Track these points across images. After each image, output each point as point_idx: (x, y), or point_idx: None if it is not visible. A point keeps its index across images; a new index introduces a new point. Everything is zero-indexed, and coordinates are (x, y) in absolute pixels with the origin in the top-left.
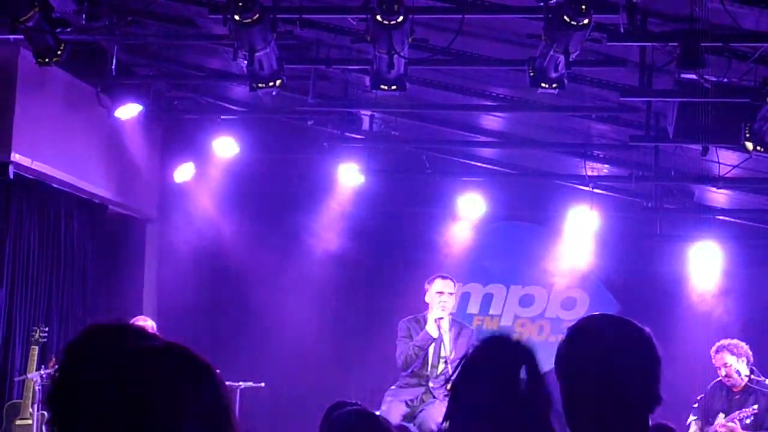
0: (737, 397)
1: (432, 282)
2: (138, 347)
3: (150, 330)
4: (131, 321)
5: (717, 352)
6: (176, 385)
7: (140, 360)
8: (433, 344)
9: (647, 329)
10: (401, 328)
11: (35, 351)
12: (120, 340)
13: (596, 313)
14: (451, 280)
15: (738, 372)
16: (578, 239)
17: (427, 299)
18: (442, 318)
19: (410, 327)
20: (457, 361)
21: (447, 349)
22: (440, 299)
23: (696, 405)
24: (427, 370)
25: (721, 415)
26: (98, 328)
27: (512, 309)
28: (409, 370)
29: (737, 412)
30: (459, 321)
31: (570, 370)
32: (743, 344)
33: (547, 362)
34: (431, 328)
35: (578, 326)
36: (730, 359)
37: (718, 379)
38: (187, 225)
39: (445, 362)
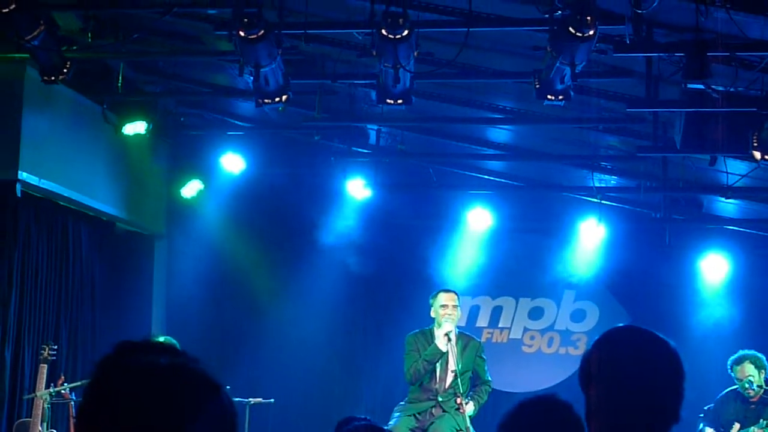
0: (752, 407)
1: (435, 296)
2: (171, 366)
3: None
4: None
5: (738, 363)
6: (184, 402)
7: (173, 379)
8: (442, 358)
9: (673, 343)
10: (408, 342)
11: (44, 369)
12: (151, 356)
13: (621, 325)
14: (454, 292)
15: (752, 383)
16: (587, 251)
17: (432, 314)
18: (450, 331)
19: (417, 341)
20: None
21: (455, 363)
22: (445, 312)
23: (703, 415)
24: (435, 383)
25: (737, 425)
26: (129, 344)
27: (522, 322)
28: (418, 384)
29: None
30: (466, 333)
31: (597, 381)
32: (763, 356)
33: (557, 374)
34: (441, 343)
35: (608, 337)
36: (752, 371)
37: (732, 388)
38: (195, 241)
39: (454, 375)
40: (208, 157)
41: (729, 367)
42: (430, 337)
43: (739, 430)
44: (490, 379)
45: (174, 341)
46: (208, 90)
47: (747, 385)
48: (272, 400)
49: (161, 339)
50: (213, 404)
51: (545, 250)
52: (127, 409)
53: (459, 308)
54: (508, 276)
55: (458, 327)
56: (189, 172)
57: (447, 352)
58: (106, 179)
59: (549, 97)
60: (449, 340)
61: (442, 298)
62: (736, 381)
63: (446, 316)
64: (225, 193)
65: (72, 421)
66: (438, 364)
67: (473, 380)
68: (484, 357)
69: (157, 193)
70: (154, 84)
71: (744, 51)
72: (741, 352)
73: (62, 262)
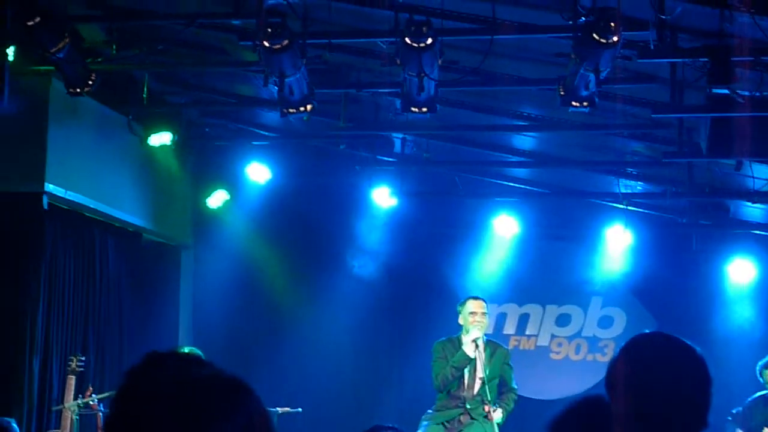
0: None
1: (464, 304)
2: (199, 376)
3: None
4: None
5: None
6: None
7: (201, 389)
8: (470, 365)
9: (700, 349)
10: (436, 349)
11: (72, 380)
12: (180, 367)
13: (648, 331)
14: (483, 300)
15: None
16: (613, 257)
17: (460, 321)
18: (479, 338)
19: (445, 348)
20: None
21: (483, 370)
22: (474, 319)
23: (731, 418)
24: (463, 390)
25: (766, 430)
26: (158, 355)
27: (549, 329)
28: (446, 392)
29: None
30: (494, 341)
31: (625, 387)
32: None
33: (584, 381)
34: (469, 349)
35: (635, 343)
36: None
37: (762, 393)
38: (221, 251)
39: (482, 382)
40: (234, 168)
41: (758, 371)
42: (458, 344)
43: None
44: (516, 387)
45: (199, 352)
46: (233, 100)
47: None
48: (300, 409)
49: (186, 350)
50: (242, 416)
51: (571, 256)
52: (155, 420)
53: (488, 316)
54: (535, 283)
55: (486, 334)
56: (215, 183)
57: (475, 358)
58: (132, 190)
59: (574, 103)
60: (477, 346)
61: (471, 305)
62: (766, 386)
63: (475, 324)
64: (251, 203)
65: None
66: (466, 371)
67: (500, 387)
68: (511, 365)
69: (183, 203)
70: (179, 95)
71: None
72: None
73: (89, 273)
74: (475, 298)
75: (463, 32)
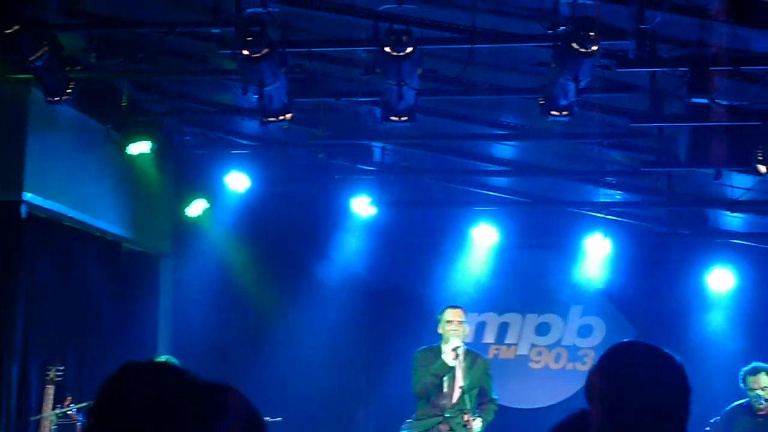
0: (760, 420)
1: (442, 312)
2: (175, 385)
3: None
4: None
5: (753, 373)
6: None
7: (178, 398)
8: (449, 374)
9: (679, 358)
10: (416, 358)
11: (51, 390)
12: (156, 377)
13: (627, 340)
14: (461, 308)
15: (761, 396)
16: (593, 266)
17: (439, 330)
18: (459, 346)
19: (425, 357)
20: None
21: (462, 379)
22: (451, 328)
23: (709, 429)
24: (443, 399)
25: None
26: (134, 365)
27: (528, 337)
28: (426, 400)
29: None
30: (473, 351)
31: (602, 397)
32: None
33: (564, 390)
34: (448, 357)
35: (611, 353)
36: (767, 382)
37: (741, 402)
38: (200, 260)
39: (461, 391)
40: (213, 176)
41: (741, 378)
42: (438, 352)
43: None
44: (496, 397)
45: (176, 361)
46: (213, 109)
47: (756, 398)
48: (280, 418)
49: (163, 359)
50: (220, 423)
51: (551, 265)
52: (131, 430)
53: (466, 324)
54: (514, 292)
55: (466, 344)
56: (194, 191)
57: (454, 367)
58: (111, 199)
59: (553, 112)
60: (457, 356)
61: (448, 314)
62: (747, 392)
63: (451, 332)
64: (230, 212)
65: None
66: (445, 380)
67: (480, 398)
68: (491, 374)
69: (162, 212)
70: (159, 103)
71: (747, 65)
72: (755, 363)
73: (68, 282)
74: (453, 306)
75: (443, 41)
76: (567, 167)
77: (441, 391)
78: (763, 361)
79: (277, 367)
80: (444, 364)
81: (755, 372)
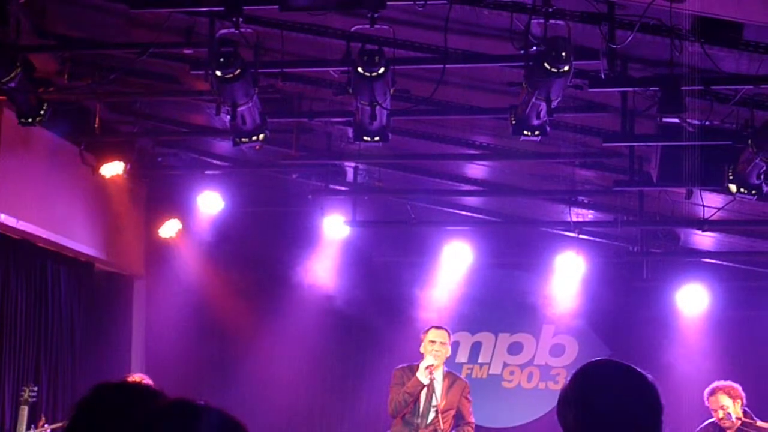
0: None
1: (426, 332)
2: (147, 406)
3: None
4: (126, 378)
5: (712, 394)
6: None
7: (150, 417)
8: (425, 392)
9: (651, 377)
10: (395, 375)
11: (25, 411)
12: (128, 398)
13: (600, 358)
14: (446, 330)
15: (731, 415)
16: (565, 285)
17: (421, 349)
18: (433, 365)
19: (404, 374)
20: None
21: (438, 399)
22: (432, 348)
23: None
24: (417, 418)
25: None
26: (106, 386)
27: (501, 357)
28: (400, 418)
29: None
30: (453, 373)
31: (575, 415)
32: (738, 386)
33: (537, 409)
34: (422, 375)
35: (584, 372)
36: (726, 401)
37: (711, 420)
38: (173, 281)
39: (436, 411)
40: (186, 197)
41: (705, 398)
42: (416, 371)
43: None
44: (473, 421)
45: (149, 380)
46: (186, 129)
47: (722, 416)
48: None
49: (136, 377)
50: None
51: (523, 284)
52: None
53: (448, 346)
54: (487, 311)
55: (445, 365)
56: (167, 212)
57: (430, 386)
58: (84, 220)
59: (525, 132)
60: (430, 373)
61: (432, 334)
62: (712, 412)
63: (432, 352)
64: (203, 233)
65: None
66: (421, 399)
67: (456, 420)
68: (470, 398)
69: (135, 233)
70: (131, 124)
71: (718, 84)
72: (715, 384)
73: (41, 303)
74: (438, 327)
75: (415, 61)
76: (539, 187)
77: (416, 410)
78: (736, 379)
79: (251, 388)
80: (417, 381)
81: (713, 393)
